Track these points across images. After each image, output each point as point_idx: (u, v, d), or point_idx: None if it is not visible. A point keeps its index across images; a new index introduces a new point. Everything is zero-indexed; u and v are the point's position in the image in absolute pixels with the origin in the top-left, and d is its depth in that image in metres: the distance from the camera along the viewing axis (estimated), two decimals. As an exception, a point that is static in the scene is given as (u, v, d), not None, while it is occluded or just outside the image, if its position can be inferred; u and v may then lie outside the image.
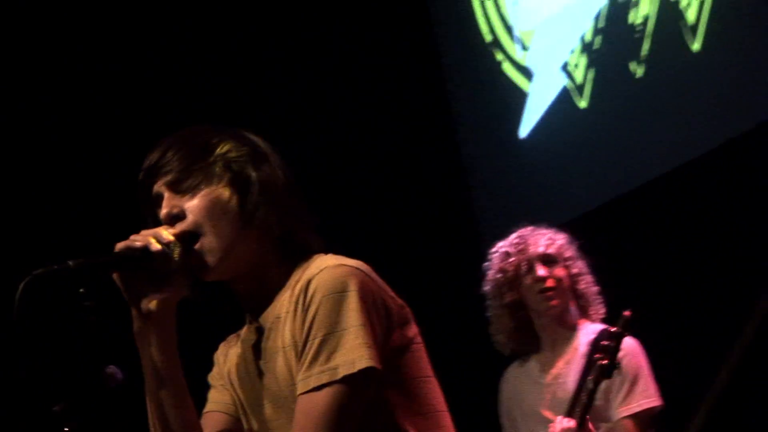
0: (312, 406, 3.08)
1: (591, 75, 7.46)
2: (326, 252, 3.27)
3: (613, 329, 4.59)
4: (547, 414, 4.99)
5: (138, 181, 3.28)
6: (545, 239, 5.04)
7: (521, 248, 5.03)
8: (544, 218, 5.71)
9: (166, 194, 3.18)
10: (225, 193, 3.19)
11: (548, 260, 4.94)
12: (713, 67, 6.75)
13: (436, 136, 8.73)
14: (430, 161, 8.80)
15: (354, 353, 3.04)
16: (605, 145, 7.46)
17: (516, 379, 5.19)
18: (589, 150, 7.49)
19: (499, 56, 8.18)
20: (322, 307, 3.08)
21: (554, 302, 4.85)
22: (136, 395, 3.51)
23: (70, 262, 3.05)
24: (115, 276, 3.12)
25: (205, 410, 3.44)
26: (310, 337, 3.09)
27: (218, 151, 3.26)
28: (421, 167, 8.79)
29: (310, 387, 3.04)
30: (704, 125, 6.80)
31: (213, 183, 3.19)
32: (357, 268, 3.13)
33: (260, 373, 3.32)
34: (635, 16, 7.12)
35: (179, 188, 3.17)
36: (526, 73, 8.02)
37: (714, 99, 6.77)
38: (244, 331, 3.42)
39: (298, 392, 3.09)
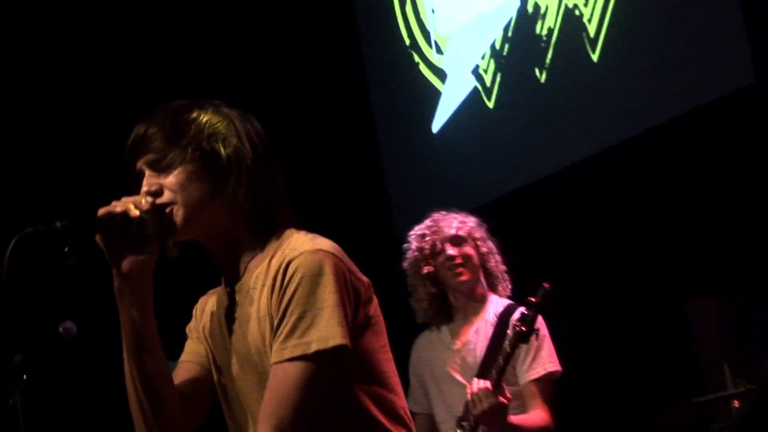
0: (284, 375, 3.13)
1: (499, 78, 7.49)
2: (298, 226, 3.33)
3: (533, 299, 4.66)
4: (457, 376, 5.06)
5: (123, 159, 3.31)
6: (456, 222, 5.13)
7: (435, 230, 5.12)
8: (454, 204, 5.74)
9: (147, 172, 3.22)
10: (197, 170, 3.22)
11: (458, 240, 5.03)
12: (609, 75, 6.85)
13: (356, 129, 8.69)
14: (348, 151, 8.60)
15: (328, 331, 3.10)
16: (509, 141, 7.46)
17: (428, 345, 5.25)
18: (495, 145, 7.51)
19: (417, 58, 8.19)
20: (301, 287, 3.12)
21: (464, 277, 4.94)
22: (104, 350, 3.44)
23: (57, 224, 3.10)
24: (97, 238, 3.16)
25: (181, 359, 3.50)
26: (288, 313, 3.13)
27: (193, 130, 3.29)
28: (340, 156, 8.71)
29: (284, 358, 3.10)
30: (599, 127, 6.91)
31: (186, 161, 3.22)
32: (333, 253, 3.18)
33: (231, 333, 3.37)
34: (541, 28, 7.18)
35: (157, 167, 3.21)
36: (441, 74, 8.02)
37: (609, 104, 6.88)
38: (219, 292, 3.45)
39: (272, 361, 3.15)
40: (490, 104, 7.65)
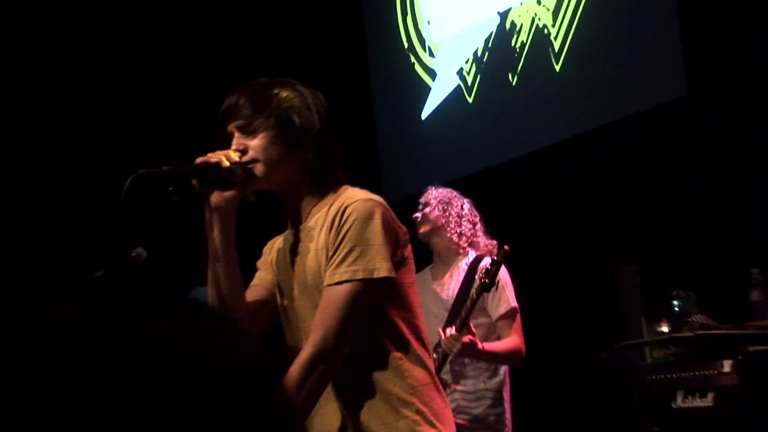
0: (334, 295, 3.36)
1: (478, 79, 7.59)
2: (352, 184, 3.55)
3: (495, 258, 5.03)
4: (432, 308, 5.22)
5: (217, 120, 3.51)
6: (427, 192, 5.51)
7: (421, 199, 5.49)
8: (435, 177, 6.11)
9: (236, 134, 3.43)
10: (276, 135, 3.42)
11: (422, 206, 5.40)
12: (568, 83, 6.99)
13: (358, 116, 8.43)
14: (350, 132, 8.46)
15: (374, 263, 3.33)
16: (483, 130, 7.53)
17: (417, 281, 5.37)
18: (472, 132, 7.57)
19: (413, 59, 8.25)
20: (354, 226, 3.35)
21: (420, 232, 5.30)
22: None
23: (164, 168, 3.37)
24: (194, 181, 3.40)
25: (251, 284, 3.71)
26: (341, 246, 3.35)
27: (274, 103, 3.46)
28: (343, 137, 8.42)
29: (335, 281, 3.32)
30: (557, 124, 7.02)
31: (269, 127, 3.42)
32: (381, 203, 3.43)
33: (293, 264, 3.56)
34: (516, 41, 7.29)
35: (245, 131, 3.42)
36: (431, 73, 8.09)
37: (566, 106, 7.01)
38: (286, 233, 3.64)
39: (325, 284, 3.38)
40: (470, 99, 7.74)
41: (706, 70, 6.29)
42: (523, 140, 7.25)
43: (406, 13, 8.34)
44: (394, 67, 8.40)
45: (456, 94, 7.92)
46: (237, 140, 3.44)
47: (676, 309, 5.75)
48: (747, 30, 6.11)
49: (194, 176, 3.41)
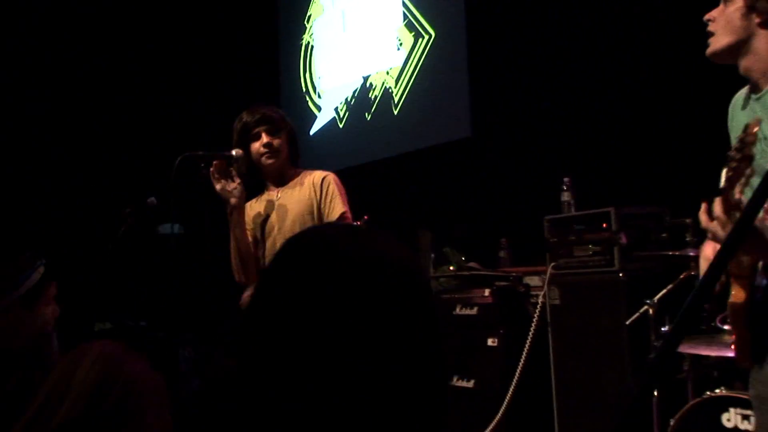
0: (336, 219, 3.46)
1: (347, 115, 7.65)
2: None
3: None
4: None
5: (249, 123, 3.56)
6: None
7: None
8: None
9: (264, 134, 3.55)
10: (286, 139, 3.63)
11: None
12: (400, 121, 7.04)
13: None
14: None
15: (342, 204, 3.52)
16: (349, 144, 7.50)
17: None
18: (341, 145, 7.54)
19: (307, 98, 8.20)
20: (332, 186, 3.54)
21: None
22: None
23: (200, 152, 3.49)
24: (215, 164, 3.46)
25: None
26: (327, 196, 3.51)
27: (284, 119, 3.66)
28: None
29: (336, 214, 3.48)
30: (392, 145, 7.05)
31: (282, 133, 3.62)
32: (333, 174, 3.63)
33: (279, 213, 3.59)
34: (372, 94, 7.37)
35: (271, 132, 3.57)
36: (318, 108, 8.06)
37: (399, 135, 7.01)
38: (264, 194, 3.67)
39: (328, 216, 3.50)
40: (341, 126, 7.76)
41: (486, 119, 6.31)
42: (371, 153, 7.21)
43: (306, 70, 8.24)
44: (296, 102, 8.22)
45: (332, 122, 7.88)
46: (265, 137, 3.53)
47: (447, 257, 5.80)
48: (520, 94, 6.03)
49: (219, 159, 3.48)
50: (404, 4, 7.05)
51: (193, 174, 3.53)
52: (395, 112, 7.13)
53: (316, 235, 1.02)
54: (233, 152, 3.49)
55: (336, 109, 7.88)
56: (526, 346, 4.78)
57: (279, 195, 3.64)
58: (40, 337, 2.27)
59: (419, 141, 6.85)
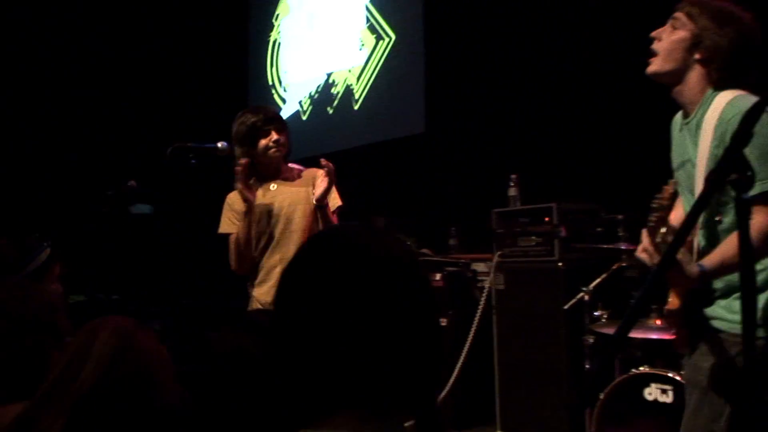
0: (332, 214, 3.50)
1: (310, 108, 7.71)
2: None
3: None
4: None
5: (259, 121, 3.57)
6: None
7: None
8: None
9: (273, 131, 3.58)
10: (287, 136, 3.64)
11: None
12: (360, 116, 7.12)
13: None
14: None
15: (338, 199, 3.57)
16: (311, 136, 7.37)
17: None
18: (305, 136, 7.22)
19: (273, 91, 8.21)
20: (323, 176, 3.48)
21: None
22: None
23: (189, 144, 3.50)
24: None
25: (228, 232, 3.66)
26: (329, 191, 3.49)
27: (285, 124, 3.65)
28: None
29: (335, 207, 3.54)
30: (352, 137, 7.06)
31: (287, 130, 3.67)
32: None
33: (280, 203, 3.60)
34: (334, 89, 7.44)
35: (279, 130, 3.60)
36: (284, 101, 8.08)
37: (358, 128, 7.07)
38: (259, 188, 3.63)
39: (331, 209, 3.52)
40: (304, 118, 7.79)
41: (439, 117, 6.41)
42: (332, 144, 7.10)
43: (273, 65, 8.25)
44: (263, 95, 8.21)
45: (296, 115, 7.90)
46: (275, 134, 3.58)
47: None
48: (471, 96, 6.13)
49: (206, 152, 3.52)
50: (367, 9, 7.15)
51: (183, 163, 3.57)
52: (355, 108, 7.21)
53: (338, 233, 1.19)
54: (219, 145, 3.55)
55: (300, 103, 7.91)
56: (473, 326, 4.92)
57: (277, 187, 3.67)
58: (50, 308, 2.38)
59: (377, 135, 6.91)
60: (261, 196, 3.66)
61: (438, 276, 5.27)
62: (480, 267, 5.35)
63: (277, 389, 1.12)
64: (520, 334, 4.81)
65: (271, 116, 3.68)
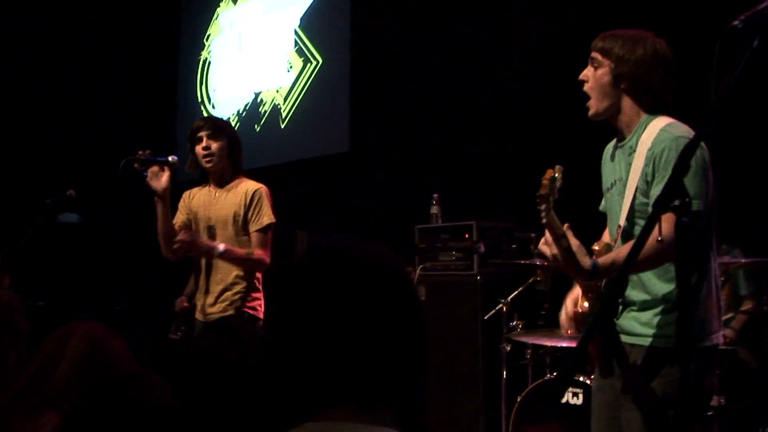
0: (256, 236, 3.58)
1: (238, 125, 7.45)
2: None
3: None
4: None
5: (195, 128, 3.67)
6: None
7: None
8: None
9: (205, 137, 3.62)
10: (227, 144, 3.67)
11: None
12: (286, 134, 7.06)
13: (169, 135, 8.04)
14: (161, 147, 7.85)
15: (269, 215, 3.60)
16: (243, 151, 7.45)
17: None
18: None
19: (202, 108, 8.08)
20: (261, 198, 3.61)
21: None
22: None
23: (139, 152, 3.51)
24: (154, 168, 3.52)
25: (174, 221, 3.74)
26: (254, 206, 3.59)
27: (227, 126, 3.73)
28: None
29: (254, 230, 3.58)
30: (277, 154, 6.98)
31: (222, 138, 3.66)
32: (265, 187, 3.65)
33: (209, 209, 3.68)
34: (261, 109, 7.36)
35: (211, 137, 3.62)
36: None
37: (284, 146, 7.01)
38: (206, 188, 3.74)
39: (252, 231, 3.58)
40: None
41: (362, 138, 6.44)
42: (259, 160, 6.69)
43: (202, 83, 8.18)
44: (192, 111, 8.08)
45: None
46: (206, 141, 3.62)
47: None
48: (395, 118, 6.18)
49: (157, 164, 3.53)
50: (296, 33, 7.10)
51: (134, 175, 3.60)
52: (282, 126, 7.18)
53: (337, 244, 1.25)
54: (169, 158, 3.57)
55: (228, 119, 7.80)
56: None
57: (216, 195, 3.71)
58: (6, 308, 2.35)
59: (302, 152, 6.91)
60: (206, 202, 3.72)
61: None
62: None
63: (268, 386, 1.16)
64: (440, 342, 4.82)
65: (203, 124, 3.71)
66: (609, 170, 2.69)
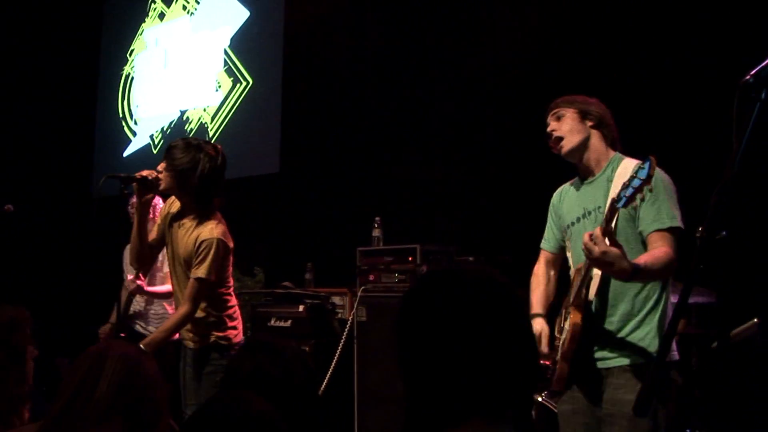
0: (191, 283, 3.48)
1: (162, 142, 7.50)
2: (215, 213, 3.57)
3: None
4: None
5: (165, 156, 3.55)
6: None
7: None
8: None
9: (164, 166, 3.53)
10: (183, 172, 3.51)
11: None
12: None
13: (87, 149, 8.17)
14: (78, 162, 8.00)
15: (207, 271, 3.45)
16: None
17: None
18: (152, 166, 7.22)
19: (123, 123, 8.06)
20: (206, 251, 3.44)
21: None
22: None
23: (122, 174, 3.55)
24: (134, 184, 3.50)
25: (150, 232, 3.71)
26: (198, 256, 3.47)
27: (176, 160, 3.54)
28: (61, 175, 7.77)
29: (192, 276, 3.46)
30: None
31: (169, 170, 3.54)
32: (221, 238, 3.49)
33: (174, 237, 3.63)
34: (188, 127, 7.37)
35: (169, 167, 3.53)
36: (134, 133, 7.93)
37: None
38: (178, 210, 3.64)
39: (191, 275, 3.47)
40: (155, 152, 7.63)
41: (293, 159, 6.51)
42: None
43: (124, 98, 8.12)
44: (112, 126, 8.10)
45: (146, 147, 7.81)
46: (161, 166, 3.56)
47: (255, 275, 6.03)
48: (327, 139, 6.26)
49: (135, 181, 3.52)
50: (226, 53, 7.15)
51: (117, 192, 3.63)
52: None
53: (455, 270, 1.38)
54: (147, 175, 3.55)
55: (151, 136, 7.81)
56: (336, 355, 4.97)
57: (180, 226, 3.65)
58: (6, 327, 2.39)
59: (231, 172, 6.64)
60: (176, 228, 3.69)
61: (301, 308, 5.31)
62: (337, 300, 5.42)
63: (406, 403, 1.29)
64: (379, 362, 4.90)
65: (169, 146, 3.67)
66: (573, 204, 2.93)
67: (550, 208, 3.11)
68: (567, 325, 2.75)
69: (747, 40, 3.78)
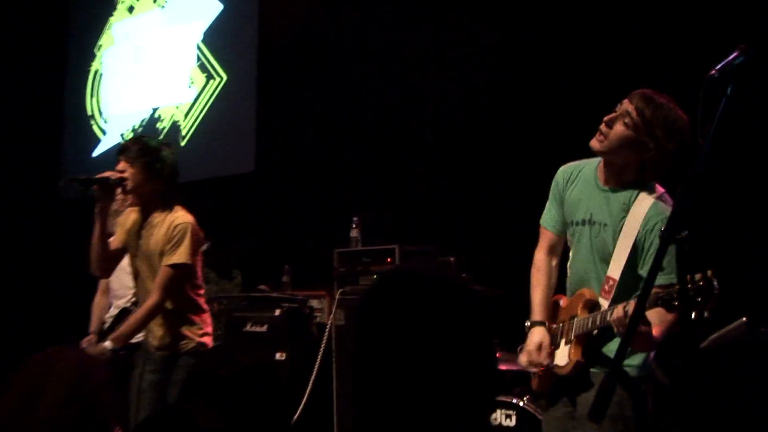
0: (164, 271, 3.56)
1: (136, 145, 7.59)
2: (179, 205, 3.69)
3: None
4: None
5: (117, 152, 3.66)
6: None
7: None
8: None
9: (123, 162, 3.63)
10: (144, 169, 3.63)
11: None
12: (188, 152, 6.81)
13: (54, 149, 8.08)
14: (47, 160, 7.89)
15: (183, 256, 3.58)
16: None
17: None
18: None
19: (92, 122, 8.01)
20: (180, 235, 3.57)
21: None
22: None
23: (81, 176, 3.60)
24: (95, 186, 3.57)
25: (113, 238, 3.80)
26: (171, 241, 3.58)
27: (144, 155, 3.60)
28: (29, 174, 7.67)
29: (165, 264, 3.56)
30: (182, 174, 6.95)
31: (136, 165, 3.63)
32: (193, 223, 3.64)
33: (140, 239, 3.71)
34: (160, 125, 7.35)
35: (129, 163, 3.62)
36: (104, 132, 7.88)
37: (188, 164, 6.12)
38: (137, 217, 3.72)
39: (162, 264, 3.57)
40: None
41: (269, 157, 6.52)
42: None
43: (93, 95, 8.07)
44: (80, 124, 8.05)
45: (117, 147, 7.62)
46: (123, 165, 3.62)
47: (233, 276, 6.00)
48: (304, 137, 6.30)
49: (96, 183, 3.58)
50: (199, 48, 7.17)
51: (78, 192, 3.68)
52: (182, 144, 7.14)
53: (410, 270, 1.36)
54: (108, 177, 3.61)
55: (122, 135, 7.76)
56: (318, 360, 5.00)
57: (144, 226, 3.74)
58: None
59: (205, 171, 6.83)
60: (138, 228, 3.78)
61: (278, 311, 5.30)
62: (315, 303, 5.42)
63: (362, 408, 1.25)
64: (359, 366, 4.95)
65: (122, 146, 3.75)
66: (581, 199, 2.82)
67: (554, 185, 2.95)
68: (566, 354, 2.77)
69: (714, 35, 3.81)
